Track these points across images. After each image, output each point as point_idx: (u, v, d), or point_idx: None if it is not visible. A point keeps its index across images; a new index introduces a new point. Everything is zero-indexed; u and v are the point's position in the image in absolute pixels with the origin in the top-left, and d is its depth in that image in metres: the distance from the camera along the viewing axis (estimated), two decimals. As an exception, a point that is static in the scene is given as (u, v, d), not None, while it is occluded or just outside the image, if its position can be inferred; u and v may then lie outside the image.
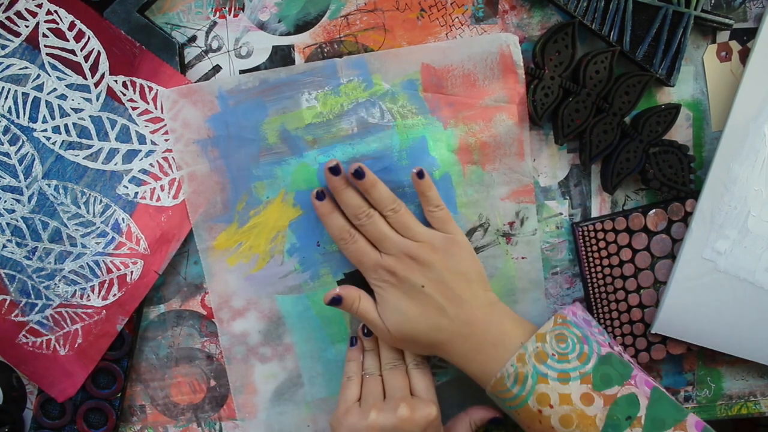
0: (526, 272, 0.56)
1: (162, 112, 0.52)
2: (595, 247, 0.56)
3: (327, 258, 0.54)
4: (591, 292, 0.56)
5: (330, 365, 0.56)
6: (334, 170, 0.50)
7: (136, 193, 0.53)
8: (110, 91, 0.52)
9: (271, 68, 0.54)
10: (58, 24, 0.51)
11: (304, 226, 0.54)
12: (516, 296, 0.56)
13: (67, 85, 0.52)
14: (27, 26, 0.51)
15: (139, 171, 0.53)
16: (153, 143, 0.53)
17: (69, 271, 0.54)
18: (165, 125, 0.53)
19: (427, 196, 0.51)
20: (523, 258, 0.56)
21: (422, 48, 0.53)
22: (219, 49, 0.54)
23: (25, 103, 0.52)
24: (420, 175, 0.51)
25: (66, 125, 0.52)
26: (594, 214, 0.57)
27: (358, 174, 0.50)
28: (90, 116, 0.52)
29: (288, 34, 0.54)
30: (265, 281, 0.55)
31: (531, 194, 0.55)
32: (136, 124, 0.53)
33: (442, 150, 0.53)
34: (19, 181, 0.53)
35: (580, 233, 0.56)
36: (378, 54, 0.53)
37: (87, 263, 0.54)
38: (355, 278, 0.54)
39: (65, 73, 0.52)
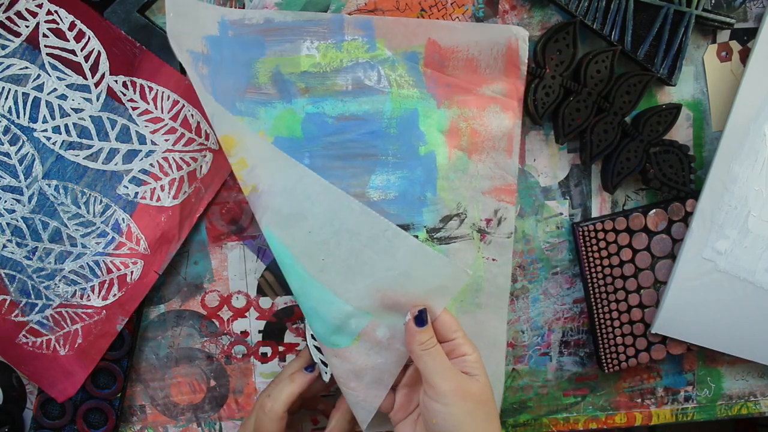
0: (494, 275, 0.55)
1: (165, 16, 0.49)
2: (595, 247, 0.56)
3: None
4: (591, 292, 0.56)
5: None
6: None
7: (136, 193, 0.53)
8: (110, 91, 0.52)
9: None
10: (58, 24, 0.51)
11: None
12: (480, 299, 0.55)
13: (67, 85, 0.52)
14: (27, 26, 0.51)
15: (139, 171, 0.53)
16: (153, 143, 0.53)
17: (69, 271, 0.54)
18: (165, 125, 0.53)
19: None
20: (494, 260, 0.55)
21: (432, 23, 0.52)
22: (219, 49, 0.54)
23: (25, 103, 0.52)
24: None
25: (66, 125, 0.52)
26: (594, 214, 0.57)
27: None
28: (90, 116, 0.52)
29: (288, 33, 0.54)
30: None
31: (513, 195, 0.55)
32: (136, 124, 0.53)
33: (431, 127, 0.53)
34: (20, 181, 0.53)
35: (581, 233, 0.56)
36: (387, 20, 0.52)
37: (87, 263, 0.54)
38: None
39: (65, 73, 0.52)
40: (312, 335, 0.51)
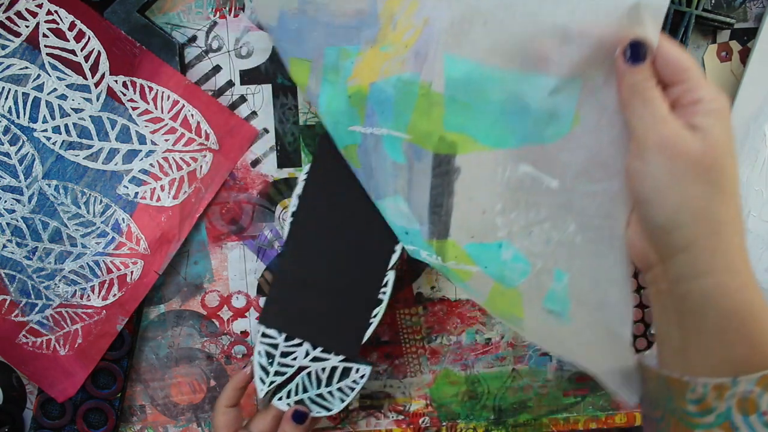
0: None
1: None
2: (595, 247, 0.56)
3: None
4: (591, 292, 0.56)
5: None
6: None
7: (136, 193, 0.53)
8: (110, 91, 0.52)
9: (272, 68, 0.54)
10: (58, 24, 0.51)
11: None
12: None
13: (67, 85, 0.52)
14: (27, 26, 0.51)
15: (139, 171, 0.53)
16: (153, 143, 0.53)
17: (69, 271, 0.54)
18: (165, 125, 0.53)
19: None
20: None
21: None
22: (219, 49, 0.54)
23: (25, 103, 0.52)
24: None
25: (66, 125, 0.52)
26: (594, 214, 0.57)
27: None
28: (90, 116, 0.52)
29: (288, 34, 0.54)
30: None
31: None
32: (137, 124, 0.53)
33: None
34: (19, 181, 0.53)
35: (581, 233, 0.56)
36: None
37: (87, 263, 0.54)
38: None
39: (65, 73, 0.52)
40: (260, 351, 0.50)
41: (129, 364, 0.56)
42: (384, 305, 0.49)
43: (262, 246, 0.56)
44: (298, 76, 0.49)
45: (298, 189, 0.50)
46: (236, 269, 0.56)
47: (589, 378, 0.59)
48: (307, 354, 0.50)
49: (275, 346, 0.50)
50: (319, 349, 0.50)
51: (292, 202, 0.50)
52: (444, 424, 0.59)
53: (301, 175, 0.50)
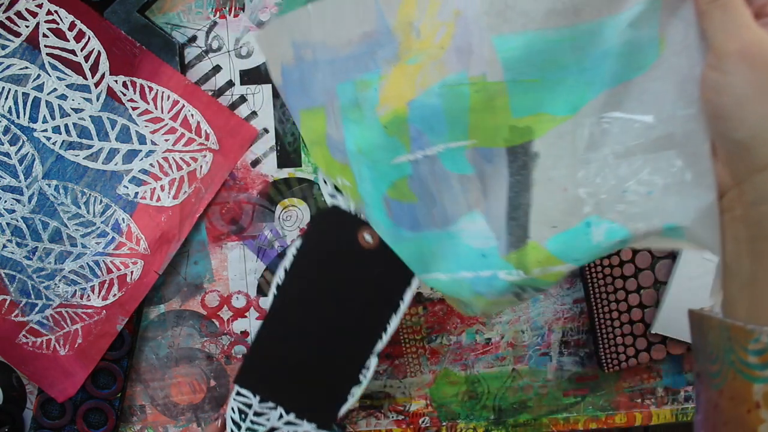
0: None
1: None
2: (595, 247, 0.56)
3: None
4: (591, 291, 0.56)
5: None
6: None
7: (136, 193, 0.53)
8: (110, 91, 0.52)
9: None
10: (58, 24, 0.51)
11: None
12: None
13: (67, 85, 0.52)
14: (27, 26, 0.51)
15: (139, 171, 0.53)
16: (153, 143, 0.53)
17: (69, 271, 0.54)
18: (165, 125, 0.53)
19: None
20: None
21: None
22: (219, 49, 0.54)
23: (25, 103, 0.52)
24: None
25: (66, 125, 0.52)
26: (594, 214, 0.57)
27: None
28: (90, 116, 0.52)
29: (288, 34, 0.54)
30: None
31: None
32: (136, 124, 0.53)
33: None
34: (20, 181, 0.53)
35: (581, 233, 0.55)
36: None
37: (87, 263, 0.54)
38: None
39: (65, 73, 0.52)
40: (233, 408, 0.50)
41: (129, 364, 0.56)
42: (363, 386, 0.49)
43: (262, 246, 0.56)
44: (314, 129, 0.45)
45: (286, 262, 0.49)
46: (236, 269, 0.56)
47: (589, 378, 0.60)
48: (281, 416, 0.50)
49: (249, 405, 0.50)
50: (293, 414, 0.50)
51: (279, 274, 0.49)
52: (444, 424, 0.59)
53: (291, 248, 0.49)
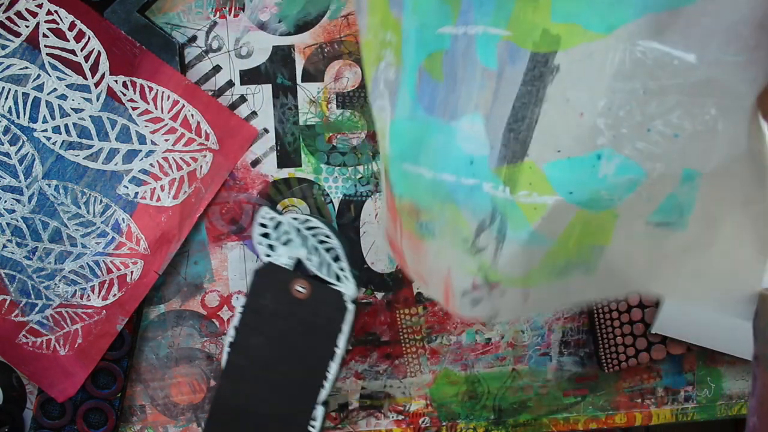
0: None
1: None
2: (595, 247, 0.56)
3: None
4: (591, 292, 0.56)
5: None
6: None
7: (136, 193, 0.53)
8: (110, 91, 0.52)
9: (272, 68, 0.54)
10: (58, 24, 0.51)
11: None
12: None
13: (67, 85, 0.52)
14: (27, 26, 0.51)
15: (139, 171, 0.53)
16: (153, 143, 0.53)
17: (69, 271, 0.54)
18: (165, 125, 0.53)
19: None
20: None
21: None
22: (219, 49, 0.54)
23: (25, 103, 0.52)
24: None
25: (66, 125, 0.52)
26: (594, 214, 0.57)
27: None
28: (90, 116, 0.52)
29: (288, 34, 0.54)
30: None
31: None
32: (136, 124, 0.53)
33: None
34: (20, 181, 0.53)
35: (581, 233, 0.55)
36: None
37: (87, 263, 0.54)
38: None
39: (65, 73, 0.52)
40: None
41: (129, 364, 0.56)
42: None
43: (262, 246, 0.56)
44: None
45: (235, 320, 0.51)
46: (236, 269, 0.56)
47: (589, 378, 0.60)
48: None
49: None
50: None
51: (229, 333, 0.51)
52: (444, 424, 0.59)
53: (238, 306, 0.51)
